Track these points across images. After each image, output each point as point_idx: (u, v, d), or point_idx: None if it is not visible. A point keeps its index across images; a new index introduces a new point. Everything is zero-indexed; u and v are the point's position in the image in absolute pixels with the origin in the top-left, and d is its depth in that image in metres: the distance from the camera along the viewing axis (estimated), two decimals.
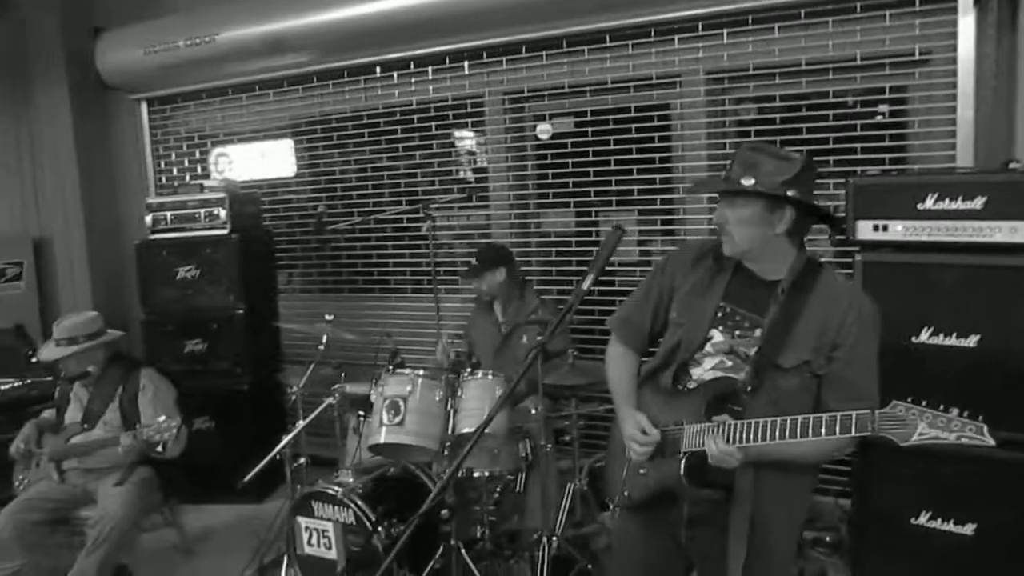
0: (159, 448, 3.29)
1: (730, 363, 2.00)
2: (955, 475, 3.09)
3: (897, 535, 3.25)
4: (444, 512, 2.92)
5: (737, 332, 2.00)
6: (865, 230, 3.22)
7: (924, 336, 3.13)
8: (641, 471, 2.06)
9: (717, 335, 2.02)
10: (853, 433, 1.71)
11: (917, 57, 3.63)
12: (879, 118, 3.88)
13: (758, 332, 1.96)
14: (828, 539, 3.78)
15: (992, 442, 1.65)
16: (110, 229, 5.97)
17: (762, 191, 1.88)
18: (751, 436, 1.82)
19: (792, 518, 2.08)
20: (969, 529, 3.12)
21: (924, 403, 1.67)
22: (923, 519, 3.20)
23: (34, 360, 5.17)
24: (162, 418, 3.31)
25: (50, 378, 4.38)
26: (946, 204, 3.06)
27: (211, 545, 4.21)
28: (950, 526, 3.15)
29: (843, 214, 3.28)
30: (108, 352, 3.74)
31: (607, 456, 2.27)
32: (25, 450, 3.68)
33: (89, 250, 5.87)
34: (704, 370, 2.03)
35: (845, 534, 3.66)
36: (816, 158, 3.75)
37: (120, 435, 3.39)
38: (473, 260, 3.97)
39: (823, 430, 1.74)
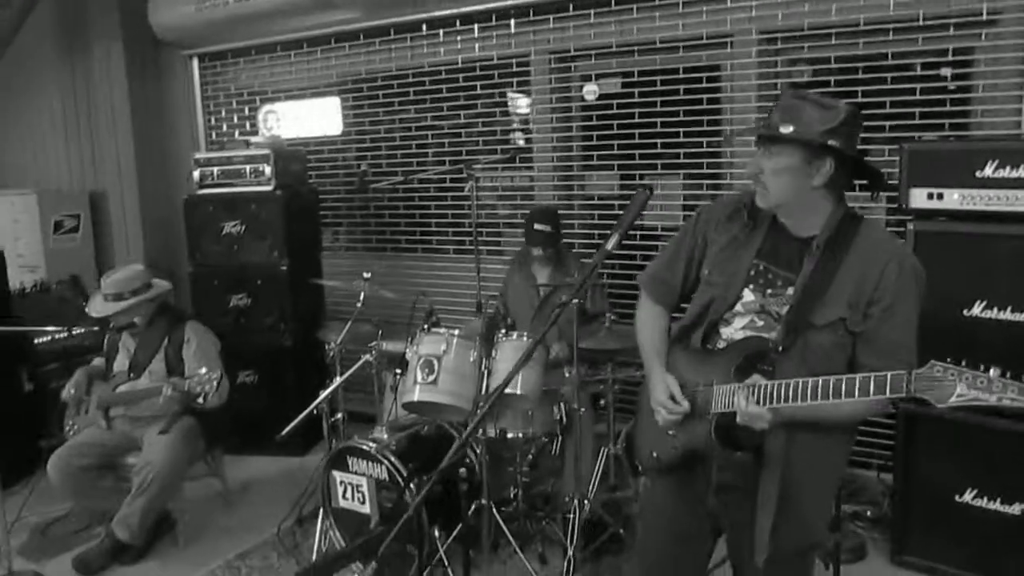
0: (200, 399, 3.36)
1: (761, 323, 1.93)
2: (1004, 453, 3.00)
3: (941, 512, 3.20)
4: (462, 471, 2.93)
5: (769, 291, 1.92)
6: (919, 198, 3.12)
7: (977, 309, 3.03)
8: (670, 433, 2.02)
9: (748, 294, 1.95)
10: (888, 394, 1.63)
11: (985, 18, 3.44)
12: (941, 83, 3.70)
13: (791, 291, 1.89)
14: (869, 513, 3.71)
15: None
16: (162, 184, 6.08)
17: (800, 139, 1.79)
18: (782, 396, 1.76)
19: (824, 484, 2.01)
20: (1017, 509, 3.04)
21: (964, 363, 1.58)
22: (968, 496, 3.13)
23: (87, 311, 5.34)
24: (203, 370, 3.36)
25: (97, 328, 4.49)
26: (1006, 172, 2.93)
27: (253, 495, 4.31)
28: (997, 505, 3.08)
29: (895, 181, 3.18)
30: (154, 305, 3.82)
31: (636, 418, 2.23)
32: (75, 396, 3.79)
33: (141, 204, 6.01)
34: (734, 330, 1.97)
35: (887, 509, 3.58)
36: (871, 123, 3.67)
37: (163, 385, 3.47)
38: (545, 227, 3.88)
39: (856, 391, 1.67)
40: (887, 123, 3.69)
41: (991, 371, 1.56)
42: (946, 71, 3.71)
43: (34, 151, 6.58)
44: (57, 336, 4.94)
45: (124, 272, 3.81)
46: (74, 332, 4.73)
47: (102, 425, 3.73)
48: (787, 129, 1.80)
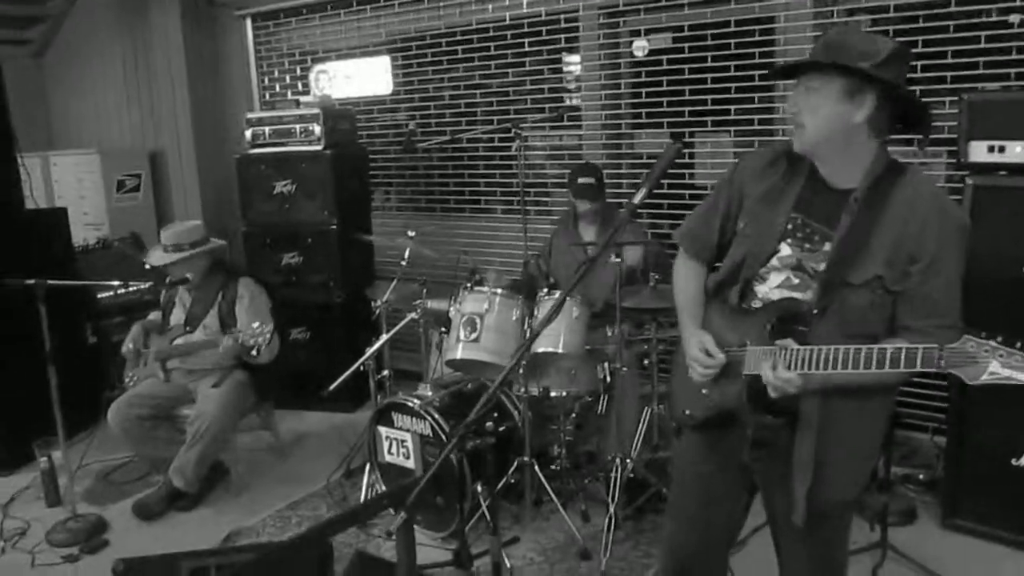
0: (253, 352, 3.44)
1: (796, 280, 1.86)
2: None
3: (995, 475, 3.12)
4: (489, 424, 2.95)
5: (807, 245, 1.85)
6: (979, 151, 2.98)
7: None
8: (703, 391, 1.99)
9: (785, 248, 1.88)
10: (919, 367, 1.59)
11: None
12: (1007, 30, 3.51)
13: (827, 246, 1.81)
14: (921, 476, 3.64)
15: None
16: (217, 143, 6.19)
17: (840, 64, 1.70)
18: (812, 364, 1.71)
19: (861, 445, 1.95)
20: None
21: (999, 339, 1.52)
22: None
23: (147, 267, 5.51)
24: (256, 323, 3.45)
25: (153, 283, 4.63)
26: None
27: (303, 448, 4.43)
28: None
29: (955, 134, 3.05)
30: (210, 260, 3.91)
31: (672, 375, 2.19)
32: (134, 349, 3.93)
33: (199, 163, 6.13)
34: (770, 288, 1.91)
35: (940, 472, 3.50)
36: (932, 74, 3.52)
37: (219, 338, 3.56)
38: (588, 179, 3.87)
39: (887, 363, 1.62)
40: (949, 74, 3.52)
41: None
42: (1015, 17, 3.51)
43: (96, 112, 6.75)
44: (118, 291, 5.12)
45: (183, 225, 3.92)
46: (131, 287, 4.87)
47: (160, 377, 3.86)
48: (829, 57, 1.72)
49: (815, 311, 1.80)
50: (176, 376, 3.88)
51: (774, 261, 1.89)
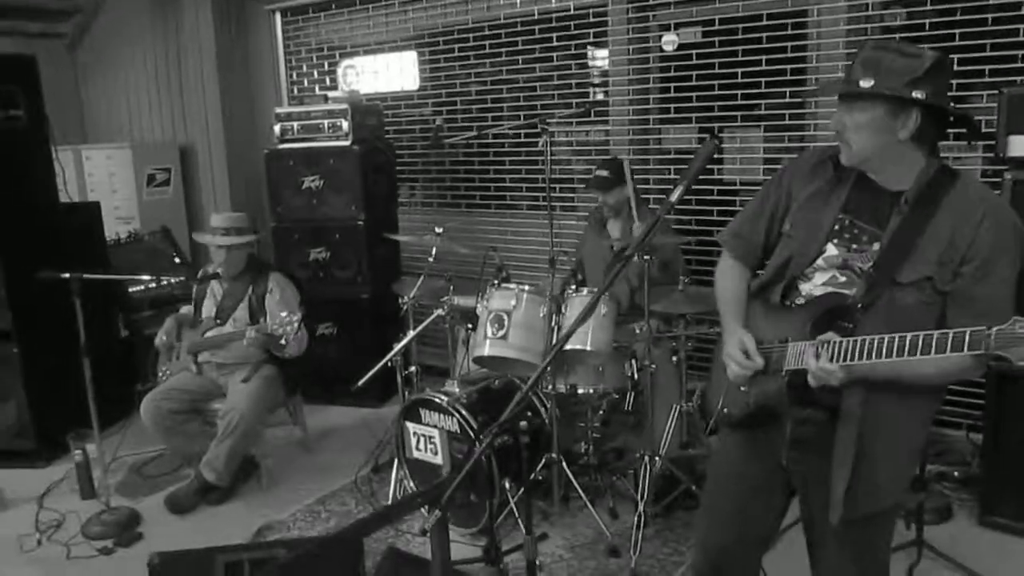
0: (281, 341, 3.47)
1: (843, 278, 1.86)
2: None
3: None
4: (523, 424, 2.94)
5: (854, 246, 1.84)
6: (1018, 146, 2.95)
7: None
8: (742, 388, 1.98)
9: (832, 248, 1.87)
10: (965, 351, 1.55)
11: None
12: None
13: (876, 246, 1.80)
14: (956, 474, 3.60)
15: None
16: (247, 138, 6.22)
17: (883, 90, 1.69)
18: (854, 354, 1.69)
19: (903, 446, 1.93)
20: None
21: None
22: None
23: (178, 261, 5.57)
24: (284, 313, 3.48)
25: (184, 278, 4.68)
26: None
27: (332, 443, 4.46)
28: None
29: (993, 129, 3.00)
30: (250, 251, 3.97)
31: (710, 373, 2.19)
32: (167, 343, 3.97)
33: (228, 158, 6.16)
34: (814, 286, 1.90)
35: (975, 470, 3.47)
36: (969, 68, 3.46)
37: (247, 329, 3.60)
38: (603, 172, 3.85)
39: (932, 348, 1.59)
40: (987, 67, 3.46)
41: None
42: None
43: (128, 105, 6.82)
44: (149, 285, 5.18)
45: (230, 213, 4.02)
46: (162, 281, 4.92)
47: (192, 370, 3.91)
48: (867, 83, 1.70)
49: (860, 305, 1.78)
50: (207, 370, 3.93)
51: (820, 261, 1.89)
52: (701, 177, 4.09)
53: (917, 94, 1.68)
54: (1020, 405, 3.04)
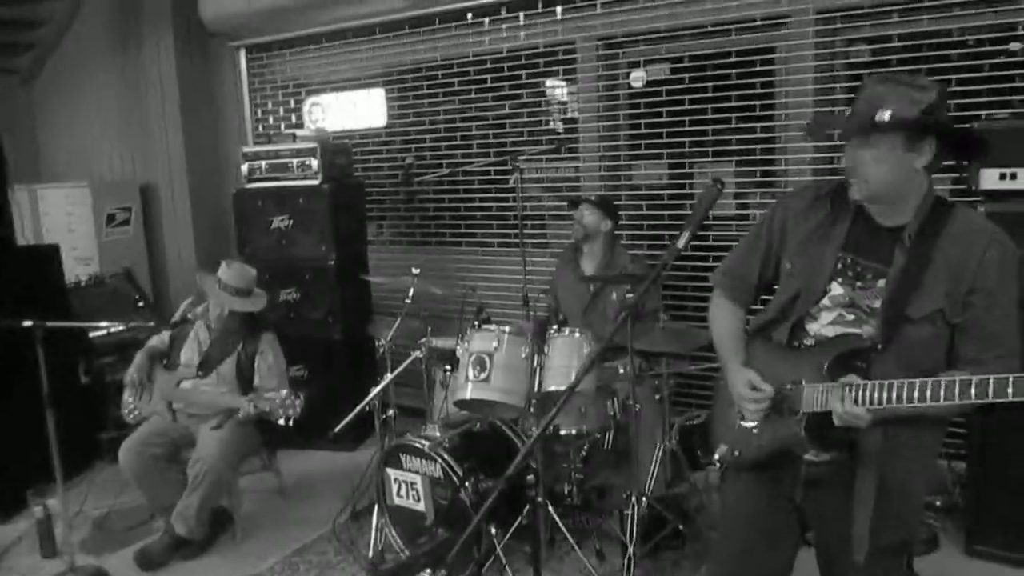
0: (280, 422, 3.34)
1: (851, 316, 1.86)
2: None
3: (1017, 501, 3.10)
4: (530, 477, 2.89)
5: (859, 284, 1.84)
6: (991, 179, 3.02)
7: None
8: (753, 430, 1.95)
9: (836, 287, 1.87)
10: (990, 398, 1.56)
11: None
12: (1009, 58, 3.54)
13: (881, 283, 1.81)
14: (939, 503, 3.61)
15: None
16: (211, 177, 6.13)
17: (904, 119, 1.70)
18: (881, 398, 1.68)
19: (920, 477, 1.95)
20: None
21: None
22: None
23: (141, 304, 5.42)
24: (284, 392, 3.36)
25: (153, 323, 4.54)
26: None
27: (307, 490, 4.33)
28: None
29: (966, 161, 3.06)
30: None
31: (712, 412, 2.17)
32: (137, 379, 3.78)
33: (192, 197, 6.05)
34: (822, 325, 1.90)
35: (958, 498, 3.50)
36: None
37: (241, 402, 3.43)
38: (594, 198, 3.96)
39: (957, 394, 1.59)
40: (953, 102, 3.53)
41: None
42: (1015, 45, 3.54)
43: (86, 143, 6.66)
44: (112, 330, 5.02)
45: (242, 268, 3.82)
46: (131, 326, 4.78)
47: (167, 417, 3.75)
48: (885, 115, 1.71)
49: (879, 346, 1.78)
50: (181, 417, 3.77)
51: (825, 300, 1.89)
52: (675, 213, 4.14)
53: (936, 119, 1.71)
54: (1003, 435, 3.07)
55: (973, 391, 1.57)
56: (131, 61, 6.14)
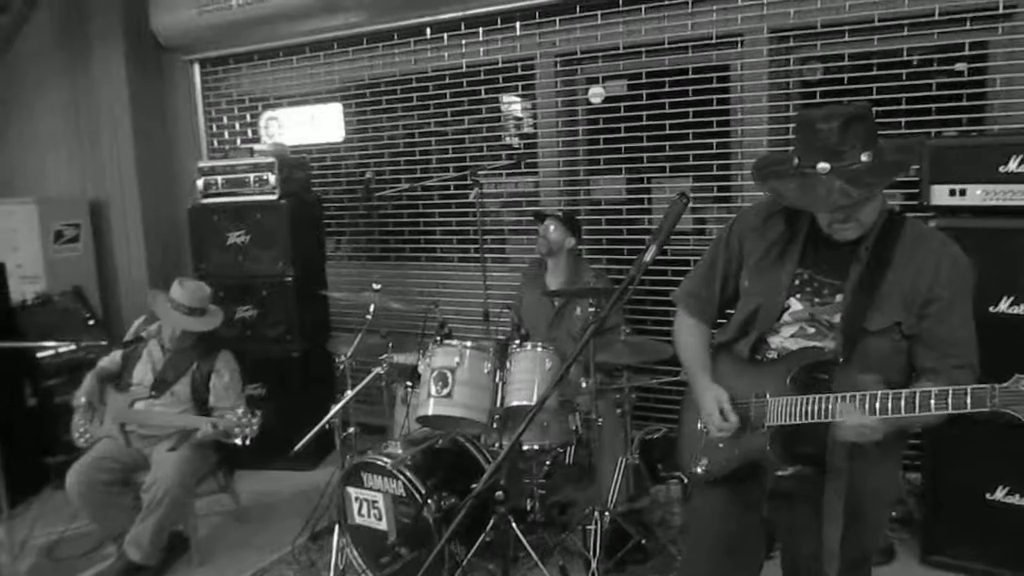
0: (236, 442, 3.28)
1: (811, 330, 1.89)
2: None
3: (971, 511, 3.16)
4: (499, 494, 2.86)
5: (816, 299, 1.88)
6: (941, 195, 3.09)
7: (1004, 305, 3.01)
8: (720, 445, 1.97)
9: (795, 304, 1.90)
10: (968, 409, 1.59)
11: (1001, 11, 3.39)
12: (956, 77, 3.65)
13: (839, 297, 1.84)
14: (895, 514, 3.65)
15: None
16: (164, 192, 6.01)
17: (895, 175, 1.77)
18: (885, 408, 1.68)
19: (887, 490, 2.00)
20: None
21: None
22: (1000, 494, 3.09)
23: (90, 323, 5.27)
24: (240, 410, 3.29)
25: (104, 342, 4.42)
26: None
27: (264, 511, 4.24)
28: None
29: (916, 178, 3.14)
30: None
31: (680, 427, 2.18)
32: (87, 403, 3.67)
33: (144, 213, 5.92)
34: (783, 339, 1.92)
35: (914, 508, 3.55)
36: (887, 120, 3.62)
37: (199, 422, 3.38)
38: (559, 213, 3.97)
39: (932, 403, 1.62)
40: (903, 119, 3.63)
41: None
42: (962, 66, 3.66)
43: (34, 160, 6.48)
44: (60, 350, 4.87)
45: (196, 286, 3.74)
46: (80, 346, 4.64)
47: (119, 440, 3.63)
48: (867, 158, 1.72)
49: (841, 359, 1.80)
50: (135, 439, 3.66)
51: (786, 316, 1.91)
52: (633, 227, 4.17)
53: (902, 157, 1.78)
54: (957, 446, 3.12)
55: (950, 401, 1.60)
56: (80, 76, 6.00)
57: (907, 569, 3.31)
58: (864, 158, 1.72)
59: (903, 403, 1.66)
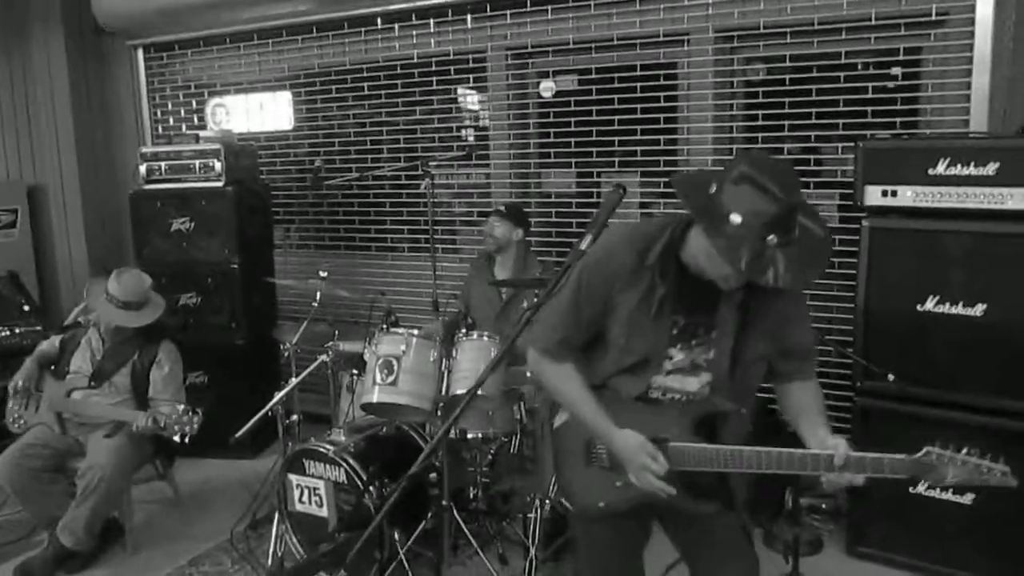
0: (175, 438, 3.25)
1: (688, 368, 1.94)
2: (958, 445, 3.08)
3: (896, 503, 3.26)
4: (433, 475, 2.88)
5: (693, 342, 1.91)
6: (874, 195, 3.19)
7: (930, 304, 3.10)
8: (617, 483, 1.95)
9: (677, 354, 1.92)
10: (887, 474, 1.77)
11: (934, 18, 3.51)
12: (891, 81, 3.78)
13: (714, 334, 1.89)
14: (824, 506, 3.77)
15: (1015, 483, 1.69)
16: (105, 178, 5.90)
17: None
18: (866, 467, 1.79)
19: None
20: (968, 499, 3.11)
21: (951, 447, 1.72)
22: (921, 487, 3.20)
23: (26, 309, 5.14)
24: (181, 407, 3.26)
25: (40, 328, 4.32)
26: (958, 170, 3.01)
27: (204, 499, 4.20)
28: (948, 495, 3.15)
29: (852, 179, 3.24)
30: None
31: (557, 460, 2.13)
32: (23, 387, 3.61)
33: (84, 198, 5.81)
34: (663, 377, 1.94)
35: (843, 501, 3.65)
36: (825, 121, 3.73)
37: (136, 416, 3.33)
38: (503, 208, 3.95)
39: (868, 469, 1.77)
40: (840, 121, 3.74)
41: (974, 454, 1.71)
42: (896, 70, 3.78)
43: None
44: None
45: (134, 279, 3.64)
46: (16, 331, 4.53)
47: (55, 429, 3.58)
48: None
49: (740, 409, 1.92)
50: (71, 427, 3.61)
51: (667, 364, 1.93)
52: (583, 221, 4.22)
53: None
54: (883, 439, 3.20)
55: (886, 468, 1.78)
56: (16, 59, 5.85)
57: (835, 560, 3.42)
58: (796, 237, 1.68)
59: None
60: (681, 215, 1.86)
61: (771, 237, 1.61)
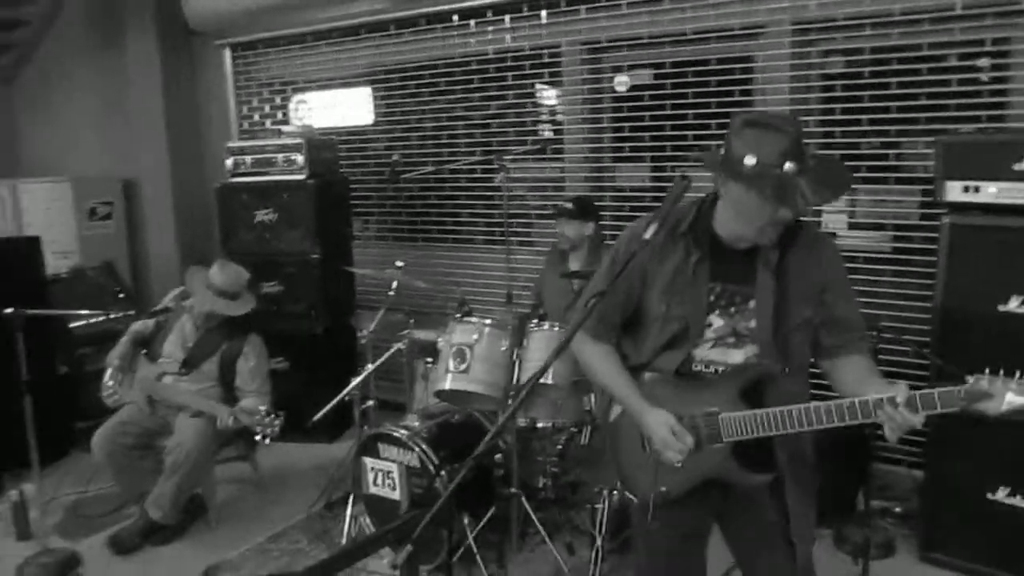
0: (257, 437, 3.38)
1: (731, 340, 1.93)
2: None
3: (971, 509, 3.17)
4: (498, 456, 2.93)
5: (732, 309, 1.92)
6: (954, 191, 3.09)
7: (1013, 305, 3.00)
8: (676, 465, 1.93)
9: (716, 319, 1.93)
10: (938, 410, 1.66)
11: (1023, 7, 3.38)
12: (977, 73, 3.66)
13: (752, 303, 1.90)
14: (898, 509, 3.69)
15: None
16: (194, 172, 6.16)
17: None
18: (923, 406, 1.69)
19: (813, 491, 2.05)
20: None
21: (1002, 371, 1.62)
22: (1000, 494, 3.10)
23: (121, 296, 5.43)
24: (263, 410, 3.37)
25: (133, 313, 4.56)
26: None
27: (283, 480, 4.36)
28: None
29: (932, 174, 3.16)
30: None
31: (615, 451, 2.14)
32: (119, 366, 3.81)
33: (174, 192, 6.08)
34: (705, 351, 1.95)
35: (916, 505, 3.56)
36: (906, 115, 3.64)
37: (221, 412, 3.47)
38: (570, 205, 3.92)
39: (938, 403, 1.65)
40: (922, 115, 3.65)
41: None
42: (983, 62, 3.65)
43: (68, 139, 6.67)
44: (91, 320, 5.02)
45: (234, 271, 3.85)
46: (109, 316, 4.79)
47: (145, 409, 3.77)
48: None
49: (786, 369, 1.90)
50: (159, 407, 3.79)
51: (708, 333, 1.94)
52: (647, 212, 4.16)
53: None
54: (959, 444, 3.13)
55: (960, 398, 1.65)
56: (113, 60, 6.16)
57: (907, 564, 3.35)
58: (811, 163, 1.74)
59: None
60: (706, 194, 1.97)
61: (788, 165, 1.70)
